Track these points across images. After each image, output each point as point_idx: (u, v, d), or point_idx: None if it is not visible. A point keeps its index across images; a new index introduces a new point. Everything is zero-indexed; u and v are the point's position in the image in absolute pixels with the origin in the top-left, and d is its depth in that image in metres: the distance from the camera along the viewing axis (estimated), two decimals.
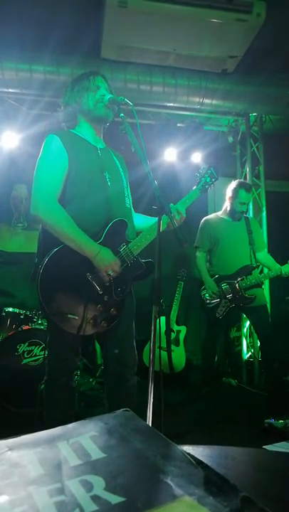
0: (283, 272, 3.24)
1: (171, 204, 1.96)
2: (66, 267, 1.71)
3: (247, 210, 3.61)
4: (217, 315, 3.38)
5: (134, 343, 1.96)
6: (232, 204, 3.48)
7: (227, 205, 3.55)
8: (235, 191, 3.44)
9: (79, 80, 1.97)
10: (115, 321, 1.84)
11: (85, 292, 1.74)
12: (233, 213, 3.51)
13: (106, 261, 1.75)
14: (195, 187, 2.15)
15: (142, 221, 2.12)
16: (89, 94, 1.91)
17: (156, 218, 1.63)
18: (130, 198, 2.04)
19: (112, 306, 1.81)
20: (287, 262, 3.28)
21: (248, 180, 4.55)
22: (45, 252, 1.73)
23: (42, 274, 1.68)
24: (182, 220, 1.98)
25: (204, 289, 3.47)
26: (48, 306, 1.69)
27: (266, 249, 3.57)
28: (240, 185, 3.44)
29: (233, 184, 3.50)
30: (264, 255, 3.50)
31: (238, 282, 3.34)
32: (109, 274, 1.76)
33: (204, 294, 3.47)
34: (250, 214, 4.53)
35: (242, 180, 3.65)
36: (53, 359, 1.84)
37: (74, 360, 1.88)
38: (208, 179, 2.17)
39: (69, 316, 1.69)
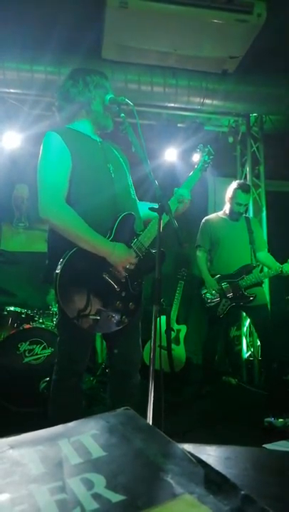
0: (284, 271, 3.24)
1: (176, 188, 1.95)
2: (82, 268, 1.70)
3: (245, 211, 3.62)
4: (217, 314, 3.39)
5: (140, 341, 1.96)
6: (231, 204, 3.50)
7: (227, 205, 3.56)
8: (233, 192, 3.46)
9: (91, 75, 1.88)
10: (135, 315, 1.84)
11: (103, 291, 1.73)
12: (231, 214, 3.52)
13: (122, 257, 1.74)
14: (196, 167, 2.12)
15: (146, 208, 2.05)
16: (101, 95, 1.86)
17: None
18: (133, 188, 2.01)
19: (130, 300, 1.81)
20: (287, 261, 3.28)
21: (249, 181, 4.55)
22: (58, 254, 1.70)
23: (60, 277, 1.65)
24: (189, 204, 1.96)
25: (205, 288, 3.48)
26: (68, 308, 1.65)
27: (266, 249, 3.57)
28: (238, 186, 3.46)
29: (233, 185, 3.52)
30: (264, 255, 3.51)
31: (238, 281, 3.35)
32: (127, 269, 1.76)
33: (205, 294, 3.47)
34: (251, 214, 4.53)
35: (242, 181, 3.67)
36: (63, 359, 1.82)
37: (84, 361, 1.87)
38: (206, 157, 2.14)
39: (90, 317, 1.68)
